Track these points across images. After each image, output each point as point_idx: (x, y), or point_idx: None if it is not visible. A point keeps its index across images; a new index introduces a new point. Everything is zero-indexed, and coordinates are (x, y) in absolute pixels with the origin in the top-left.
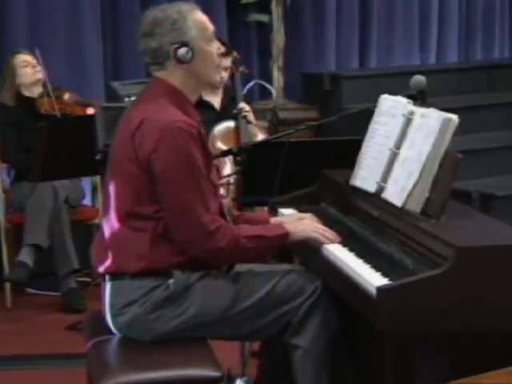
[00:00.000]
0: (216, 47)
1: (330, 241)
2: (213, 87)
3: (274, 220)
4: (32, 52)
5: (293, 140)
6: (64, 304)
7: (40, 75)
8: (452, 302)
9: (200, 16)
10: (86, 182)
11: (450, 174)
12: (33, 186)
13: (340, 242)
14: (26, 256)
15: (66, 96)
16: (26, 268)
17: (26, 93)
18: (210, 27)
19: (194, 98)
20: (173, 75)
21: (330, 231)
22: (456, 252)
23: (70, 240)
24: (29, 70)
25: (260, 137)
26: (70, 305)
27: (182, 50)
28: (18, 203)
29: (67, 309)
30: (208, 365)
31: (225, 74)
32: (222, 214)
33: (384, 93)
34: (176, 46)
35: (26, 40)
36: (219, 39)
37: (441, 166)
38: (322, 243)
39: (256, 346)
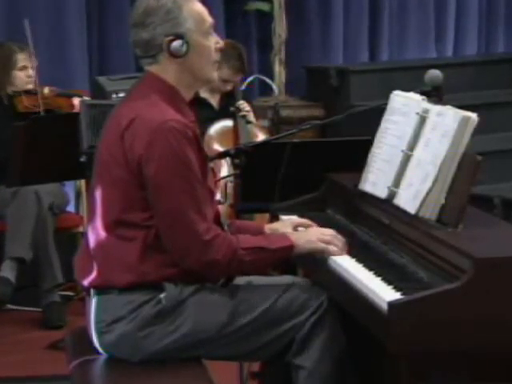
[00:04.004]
0: (214, 41)
1: (340, 250)
2: (209, 85)
3: (268, 227)
4: (33, 53)
5: (296, 140)
6: (42, 319)
7: (32, 86)
8: (470, 318)
9: (197, 6)
10: (70, 187)
11: (469, 178)
12: (13, 191)
13: (348, 253)
14: (8, 271)
15: (46, 90)
16: (8, 285)
17: (10, 92)
18: (208, 19)
19: (188, 96)
20: (166, 70)
21: (339, 237)
22: (474, 264)
23: (55, 251)
24: (24, 76)
25: (260, 137)
26: (48, 320)
27: (176, 43)
28: None
29: (45, 324)
30: None
31: (229, 87)
32: (219, 223)
33: (396, 89)
34: (170, 38)
35: (1, 28)
36: (241, 58)
37: (458, 169)
38: (329, 254)
39: (256, 366)
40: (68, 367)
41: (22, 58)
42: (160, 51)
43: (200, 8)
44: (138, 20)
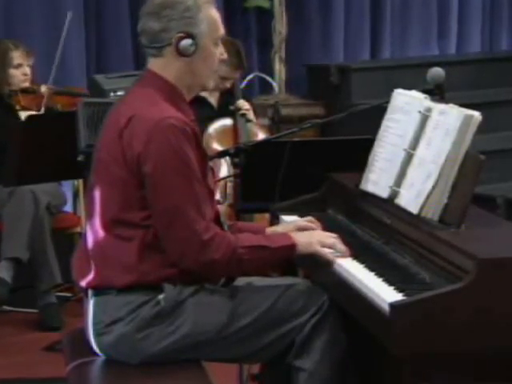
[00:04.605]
0: (219, 52)
1: (341, 255)
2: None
3: (270, 230)
4: (29, 51)
5: (296, 139)
6: (39, 320)
7: (27, 84)
8: (473, 319)
9: (215, 13)
10: (67, 187)
11: (472, 178)
12: (10, 191)
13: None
14: (4, 271)
15: (43, 88)
16: (5, 285)
17: (7, 91)
18: (221, 29)
19: (187, 97)
20: (168, 67)
21: (341, 243)
22: (478, 264)
23: (53, 252)
24: (20, 74)
25: (260, 136)
26: (44, 321)
27: (186, 42)
28: None
29: (41, 325)
30: None
31: (228, 85)
32: (219, 222)
33: (398, 87)
34: (181, 35)
35: None
36: (239, 54)
37: (461, 168)
38: (329, 260)
39: (255, 368)
40: (65, 369)
41: (17, 56)
42: (167, 45)
43: (217, 15)
44: (153, 10)
